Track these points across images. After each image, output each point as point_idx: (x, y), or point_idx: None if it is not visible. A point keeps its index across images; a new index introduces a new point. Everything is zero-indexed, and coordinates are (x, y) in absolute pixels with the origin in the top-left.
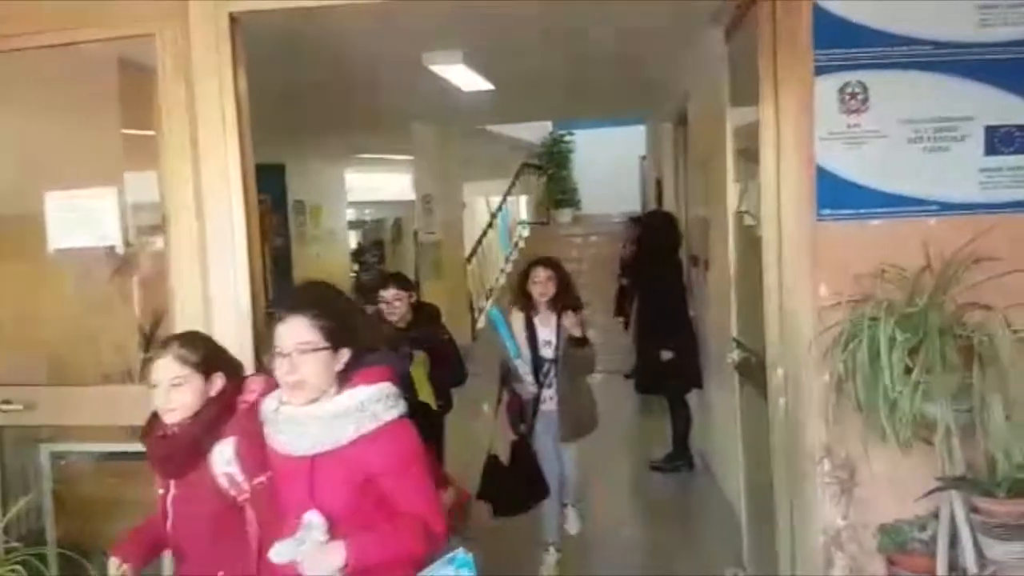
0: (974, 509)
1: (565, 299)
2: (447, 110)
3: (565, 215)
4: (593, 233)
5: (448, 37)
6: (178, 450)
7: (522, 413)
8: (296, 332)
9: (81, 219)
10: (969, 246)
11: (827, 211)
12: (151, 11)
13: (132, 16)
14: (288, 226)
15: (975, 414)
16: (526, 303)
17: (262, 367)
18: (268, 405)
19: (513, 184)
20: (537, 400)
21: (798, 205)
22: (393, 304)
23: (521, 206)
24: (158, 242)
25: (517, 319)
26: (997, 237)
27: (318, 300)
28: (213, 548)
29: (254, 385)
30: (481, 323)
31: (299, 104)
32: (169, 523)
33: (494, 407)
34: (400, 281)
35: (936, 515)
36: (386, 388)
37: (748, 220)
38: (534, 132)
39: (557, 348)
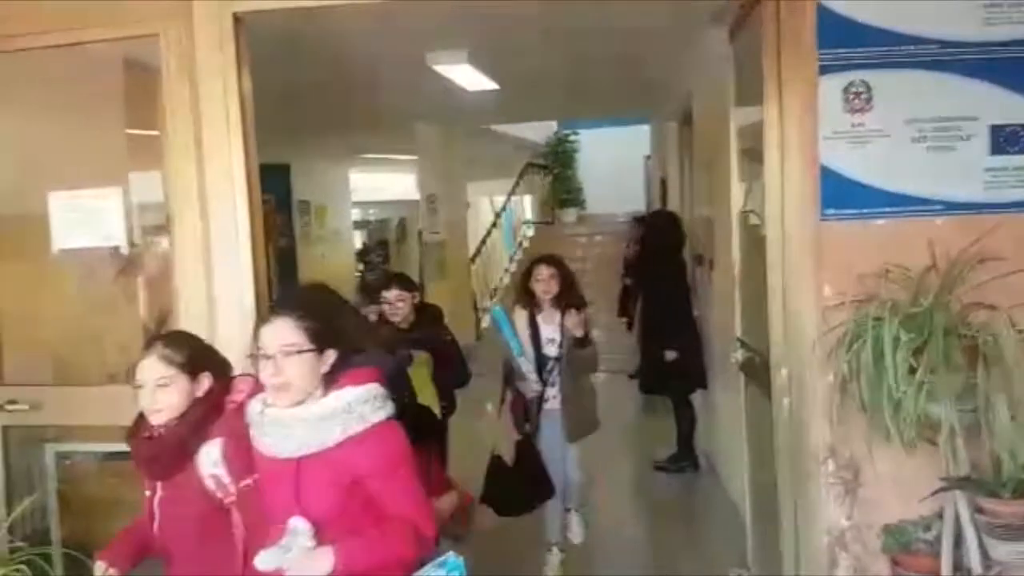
0: (979, 509)
1: (569, 297)
2: (451, 110)
3: (570, 215)
4: (598, 233)
5: (452, 37)
6: (164, 451)
7: (526, 412)
8: (280, 334)
9: (85, 219)
10: (974, 246)
11: (831, 211)
12: (155, 11)
13: (136, 16)
14: (293, 226)
15: (980, 414)
16: (529, 301)
17: None
18: (253, 407)
19: (517, 184)
20: (541, 399)
21: (802, 205)
22: (396, 305)
23: (526, 206)
24: (163, 242)
25: (520, 317)
26: (1002, 237)
27: (303, 301)
28: (199, 550)
29: (242, 385)
30: (485, 323)
31: (304, 104)
32: (156, 525)
33: (497, 407)
34: (403, 282)
35: (941, 515)
36: (373, 389)
37: (753, 220)
38: (539, 132)
39: (561, 346)
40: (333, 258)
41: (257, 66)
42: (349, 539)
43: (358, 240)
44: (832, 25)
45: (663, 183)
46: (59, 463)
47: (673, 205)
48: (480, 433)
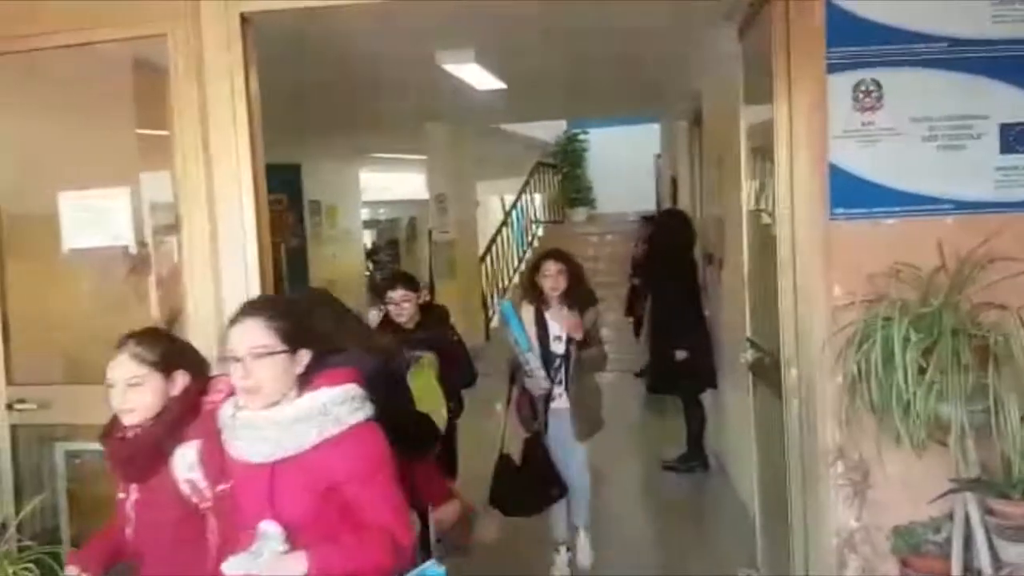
0: (989, 511)
1: (578, 293)
2: (460, 109)
3: (580, 214)
4: (608, 232)
5: (460, 36)
6: (139, 453)
7: (533, 410)
8: (250, 335)
9: (93, 219)
10: (984, 245)
11: (840, 210)
12: (163, 11)
13: (144, 16)
14: (304, 226)
15: (990, 415)
16: (537, 297)
17: None
18: (225, 410)
19: (527, 183)
20: (547, 397)
21: (811, 204)
22: (402, 305)
23: (536, 205)
24: (175, 241)
25: (527, 313)
26: (1012, 236)
27: (274, 301)
28: (173, 555)
29: (221, 385)
30: (495, 322)
31: (314, 104)
32: (129, 529)
33: (505, 406)
34: (408, 282)
35: (950, 517)
36: (351, 390)
37: (764, 219)
38: (548, 131)
39: (568, 344)
40: (343, 258)
41: (268, 66)
42: (323, 545)
43: (368, 240)
44: (841, 23)
45: (673, 182)
46: (69, 462)
47: (683, 204)
48: (489, 433)
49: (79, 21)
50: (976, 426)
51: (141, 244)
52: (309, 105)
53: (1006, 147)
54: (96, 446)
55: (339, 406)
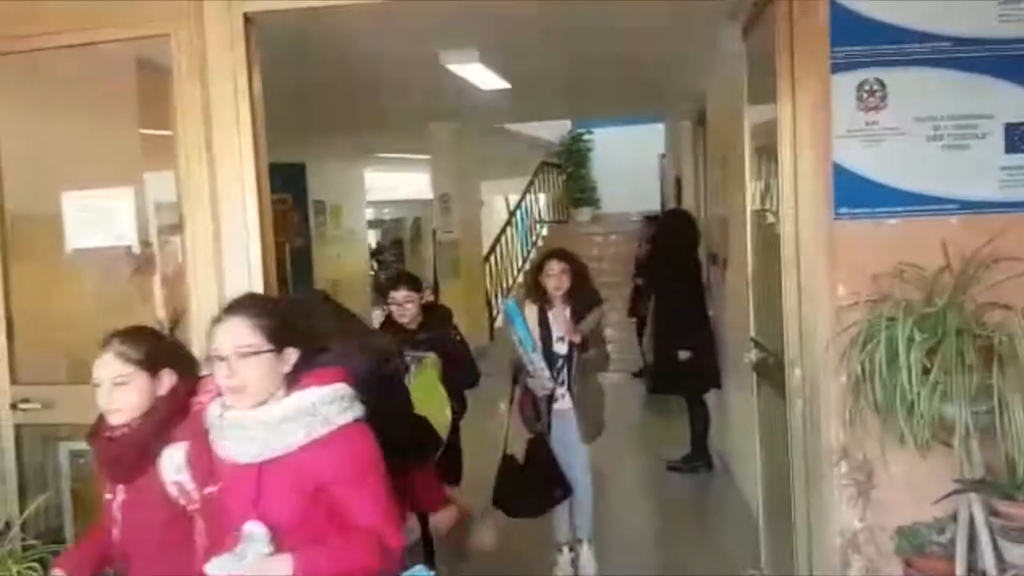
0: (993, 512)
1: (582, 293)
2: (464, 109)
3: (584, 214)
4: (613, 232)
5: (464, 36)
6: (126, 453)
7: (536, 411)
8: (235, 334)
9: (96, 219)
10: (988, 245)
11: (844, 210)
12: (166, 11)
13: (148, 16)
14: (308, 226)
15: (994, 415)
16: (540, 296)
17: None
18: (212, 410)
19: (532, 183)
20: (550, 398)
21: (815, 204)
22: (404, 306)
23: (540, 205)
24: (179, 241)
25: (531, 313)
26: (1017, 236)
27: (259, 299)
28: (160, 557)
29: (211, 385)
30: (499, 322)
31: (318, 104)
32: (116, 530)
33: (509, 406)
34: (411, 282)
35: (954, 518)
36: (340, 389)
37: (769, 219)
38: (553, 130)
39: (571, 344)
40: (348, 257)
41: (272, 66)
42: (310, 547)
43: (373, 239)
44: (845, 22)
45: (678, 182)
46: (72, 461)
47: (688, 204)
48: (492, 434)
49: (82, 21)
50: (980, 427)
51: (145, 244)
52: (313, 105)
53: (1011, 146)
54: None
55: (328, 406)
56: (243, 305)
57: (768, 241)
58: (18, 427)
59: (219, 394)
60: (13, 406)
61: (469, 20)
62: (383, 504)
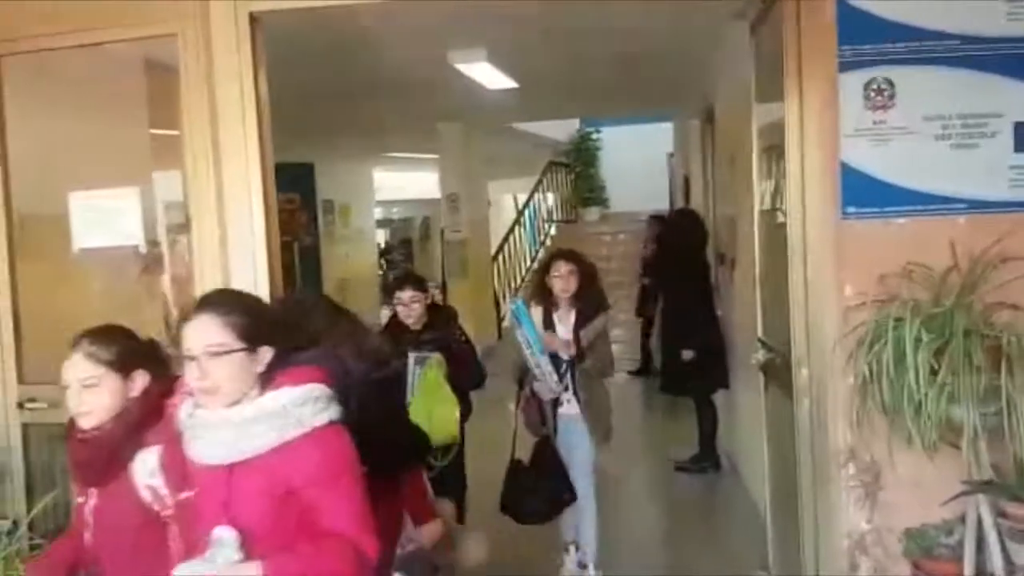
0: (1002, 514)
1: (589, 296)
2: (472, 109)
3: (592, 213)
4: (621, 231)
5: (472, 36)
6: (96, 456)
7: (542, 415)
8: (205, 333)
9: (102, 219)
10: (997, 245)
11: (852, 209)
12: (173, 11)
13: (155, 16)
14: (317, 225)
15: (1003, 417)
16: (546, 298)
17: None
18: (183, 410)
19: (540, 182)
20: (556, 402)
21: (823, 203)
22: (411, 306)
23: (549, 204)
24: (186, 240)
25: (536, 314)
26: None
27: (231, 296)
28: (133, 562)
29: (186, 385)
30: (507, 322)
31: (327, 104)
32: (88, 534)
33: (516, 409)
34: (417, 282)
35: (963, 519)
36: (314, 390)
37: (778, 218)
38: (561, 129)
39: (576, 348)
40: (356, 257)
41: (281, 67)
42: (279, 554)
43: (382, 239)
44: (853, 21)
45: (686, 181)
46: None
47: (696, 203)
48: (497, 436)
49: (89, 21)
50: (988, 428)
51: (153, 244)
52: (322, 104)
53: (1020, 145)
54: None
55: (300, 407)
56: (214, 302)
57: (776, 241)
58: (25, 426)
59: (191, 394)
60: (20, 405)
61: (476, 19)
62: (358, 510)
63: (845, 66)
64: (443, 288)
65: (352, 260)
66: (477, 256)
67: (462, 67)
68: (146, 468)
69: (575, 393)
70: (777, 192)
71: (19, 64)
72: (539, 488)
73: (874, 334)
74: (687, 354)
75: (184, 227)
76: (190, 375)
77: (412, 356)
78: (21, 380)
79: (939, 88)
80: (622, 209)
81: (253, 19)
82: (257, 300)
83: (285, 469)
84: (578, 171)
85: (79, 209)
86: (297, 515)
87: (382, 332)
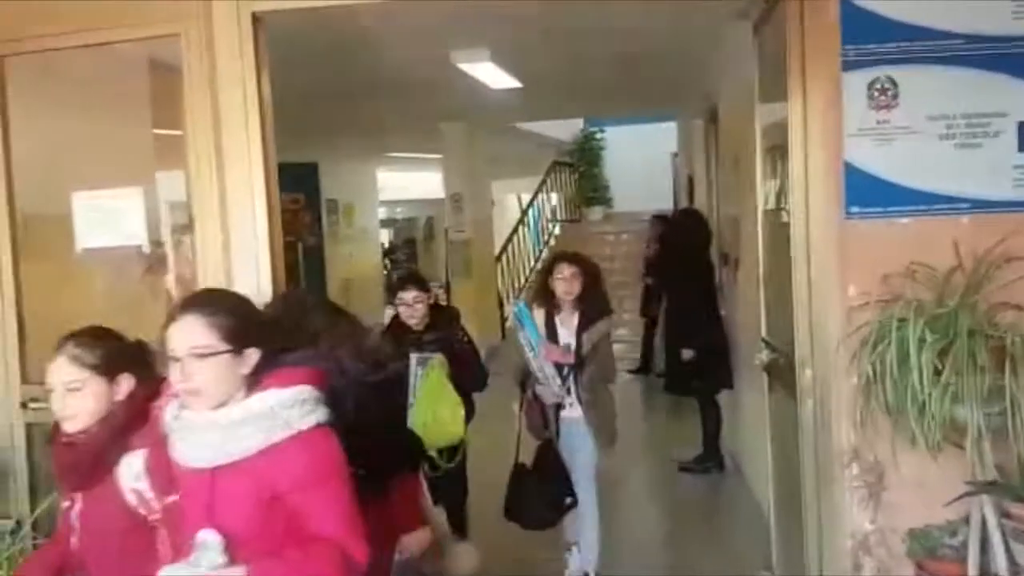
0: (1006, 514)
1: (592, 299)
2: (476, 108)
3: (596, 213)
4: (625, 231)
5: (475, 35)
6: (81, 460)
7: (544, 418)
8: (189, 334)
9: (106, 219)
10: (1001, 245)
11: (856, 209)
12: (176, 11)
13: (158, 16)
14: (321, 225)
15: (1007, 417)
16: (548, 300)
17: None
18: (169, 412)
19: (544, 182)
20: (558, 405)
21: (826, 203)
22: (414, 307)
23: (553, 204)
24: (190, 240)
25: (538, 317)
26: None
27: (216, 296)
28: (120, 567)
29: (171, 388)
30: (511, 322)
31: (331, 104)
32: (74, 539)
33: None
34: (419, 283)
35: (967, 520)
36: (303, 392)
37: (782, 218)
38: (565, 129)
39: (579, 351)
40: (360, 256)
41: (285, 67)
42: (265, 559)
43: (385, 238)
44: (856, 20)
45: (690, 181)
46: None
47: (700, 203)
48: (499, 438)
49: (93, 21)
50: (992, 428)
51: (156, 244)
52: (325, 105)
53: None
54: None
55: (288, 409)
56: (199, 303)
57: (780, 241)
58: (29, 426)
59: (177, 396)
60: (24, 405)
61: (477, 19)
62: (346, 513)
63: (849, 65)
64: (447, 288)
65: (356, 260)
66: (481, 256)
67: (465, 67)
68: (132, 472)
69: (577, 396)
70: (781, 192)
71: (23, 64)
72: (542, 493)
73: (878, 334)
74: (687, 354)
75: (188, 227)
76: (175, 377)
77: (414, 357)
78: (25, 380)
79: (943, 88)
80: (626, 209)
81: (256, 19)
82: (244, 301)
83: (272, 472)
84: (582, 171)
85: (83, 209)
86: (284, 519)
87: (384, 332)
